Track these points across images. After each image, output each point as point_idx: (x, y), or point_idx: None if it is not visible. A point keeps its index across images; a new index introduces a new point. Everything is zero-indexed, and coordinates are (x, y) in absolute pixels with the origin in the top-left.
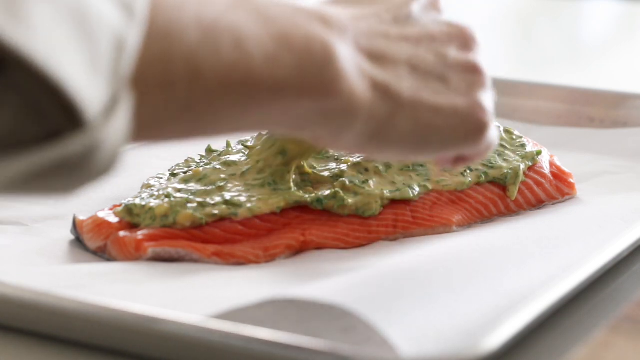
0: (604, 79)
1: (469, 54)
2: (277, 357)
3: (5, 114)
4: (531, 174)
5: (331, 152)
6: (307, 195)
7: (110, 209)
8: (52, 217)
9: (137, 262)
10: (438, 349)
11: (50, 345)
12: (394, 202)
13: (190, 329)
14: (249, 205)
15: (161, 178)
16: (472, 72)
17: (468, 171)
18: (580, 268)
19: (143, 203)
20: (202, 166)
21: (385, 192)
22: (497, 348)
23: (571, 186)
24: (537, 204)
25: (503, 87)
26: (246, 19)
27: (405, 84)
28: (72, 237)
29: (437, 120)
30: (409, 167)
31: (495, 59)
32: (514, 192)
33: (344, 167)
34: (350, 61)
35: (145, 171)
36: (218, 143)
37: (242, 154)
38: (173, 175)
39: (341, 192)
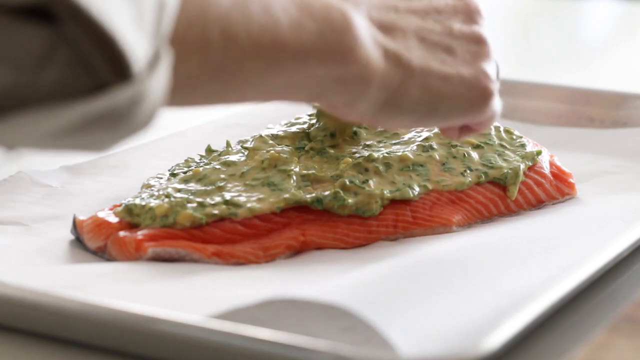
0: (604, 79)
1: (474, 26)
2: (277, 357)
3: (57, 67)
4: (531, 174)
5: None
6: (307, 195)
7: (110, 209)
8: (52, 217)
9: (137, 262)
10: (438, 349)
11: (50, 345)
12: (394, 202)
13: (190, 329)
14: (249, 205)
15: (161, 178)
16: (477, 43)
17: (468, 171)
18: (580, 268)
19: (143, 203)
20: (202, 166)
21: (385, 192)
22: (497, 348)
23: (571, 186)
24: (537, 204)
25: (503, 87)
26: None
27: (415, 54)
28: (72, 237)
29: (445, 88)
30: (409, 167)
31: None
32: (514, 192)
33: (344, 167)
34: (365, 30)
35: (145, 171)
36: (218, 143)
37: (241, 154)
38: (173, 175)
39: (341, 192)
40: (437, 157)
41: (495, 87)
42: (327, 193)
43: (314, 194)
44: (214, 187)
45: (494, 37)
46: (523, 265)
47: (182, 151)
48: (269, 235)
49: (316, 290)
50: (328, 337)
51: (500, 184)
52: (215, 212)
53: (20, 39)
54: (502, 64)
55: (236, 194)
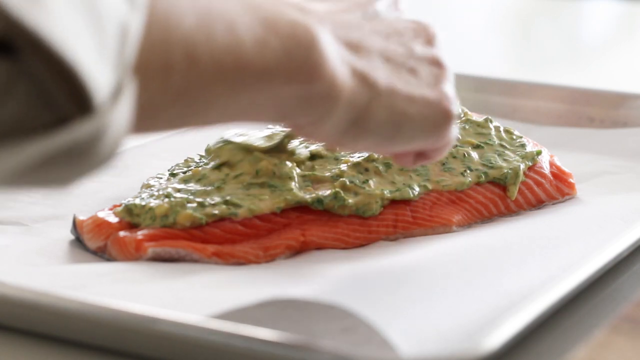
0: (604, 79)
1: (433, 48)
2: (277, 357)
3: (16, 102)
4: (531, 174)
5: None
6: (307, 195)
7: (110, 209)
8: (52, 217)
9: (137, 262)
10: (438, 349)
11: (50, 345)
12: (394, 202)
13: (190, 329)
14: (249, 205)
15: (161, 178)
16: (437, 66)
17: (468, 171)
18: (580, 268)
19: (143, 203)
20: (201, 166)
21: (385, 192)
22: (497, 348)
23: (571, 186)
24: (537, 204)
25: (503, 87)
26: (234, 5)
27: (380, 73)
28: (72, 237)
29: (410, 109)
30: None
31: (495, 59)
32: (514, 192)
33: (344, 167)
34: (331, 46)
35: (145, 171)
36: None
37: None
38: (173, 175)
39: (341, 192)
40: None
41: (456, 110)
42: (327, 193)
43: (314, 194)
44: (213, 187)
45: (494, 38)
46: (523, 265)
47: (182, 151)
48: (269, 235)
49: (316, 290)
50: (328, 337)
51: (500, 184)
52: (215, 212)
53: None
54: (502, 64)
55: (236, 194)
